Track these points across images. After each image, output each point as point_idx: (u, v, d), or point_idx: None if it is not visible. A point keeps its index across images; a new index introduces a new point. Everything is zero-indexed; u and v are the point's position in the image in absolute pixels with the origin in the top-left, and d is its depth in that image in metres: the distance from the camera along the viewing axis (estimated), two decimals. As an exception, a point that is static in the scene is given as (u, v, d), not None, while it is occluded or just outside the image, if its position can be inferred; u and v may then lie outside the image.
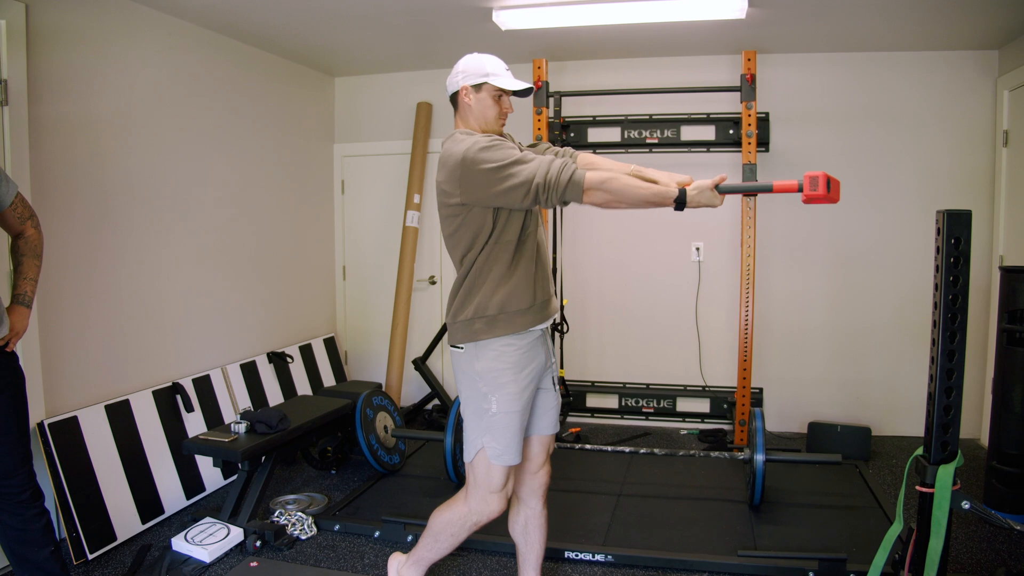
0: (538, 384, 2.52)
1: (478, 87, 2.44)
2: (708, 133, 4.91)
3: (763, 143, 4.75)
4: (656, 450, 4.10)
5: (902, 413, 4.95)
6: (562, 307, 4.84)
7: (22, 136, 3.26)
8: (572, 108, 5.12)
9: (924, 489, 2.58)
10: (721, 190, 2.33)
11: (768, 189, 2.41)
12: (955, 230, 2.51)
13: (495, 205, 2.31)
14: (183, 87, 4.22)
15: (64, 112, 3.48)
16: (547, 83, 4.80)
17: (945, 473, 2.57)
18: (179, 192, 4.18)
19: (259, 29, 4.46)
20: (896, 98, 4.88)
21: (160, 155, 4.04)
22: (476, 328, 2.39)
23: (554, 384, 2.63)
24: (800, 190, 2.30)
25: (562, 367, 4.95)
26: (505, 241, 2.38)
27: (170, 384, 4.01)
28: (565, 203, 2.29)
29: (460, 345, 2.44)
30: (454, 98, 2.49)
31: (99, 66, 3.67)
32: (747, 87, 4.50)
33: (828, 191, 2.27)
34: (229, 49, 4.60)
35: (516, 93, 2.47)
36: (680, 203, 2.27)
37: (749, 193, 2.20)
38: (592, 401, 5.34)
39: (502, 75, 2.44)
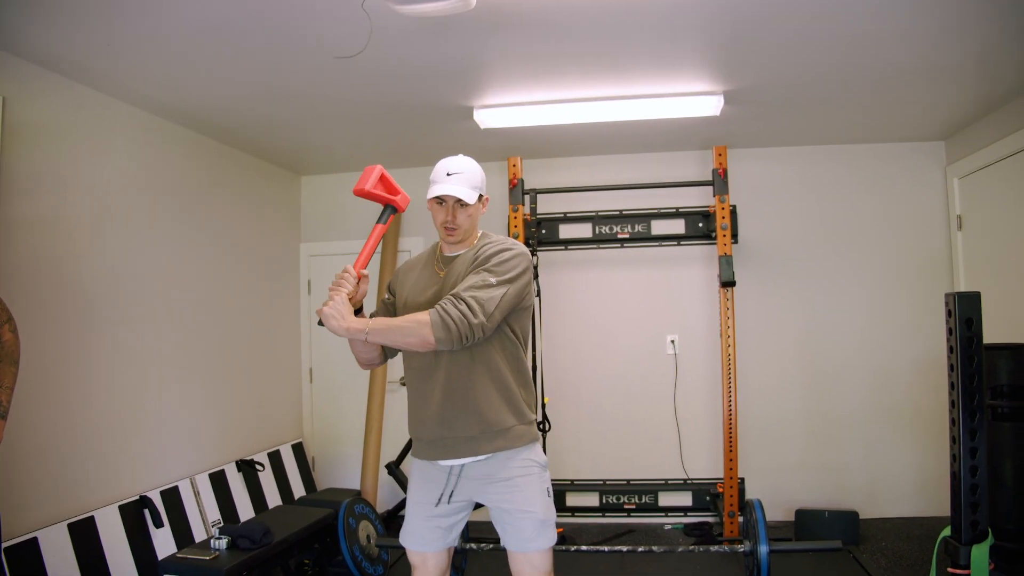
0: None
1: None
2: (678, 227, 4.99)
3: (733, 235, 4.83)
4: (655, 548, 3.94)
5: (885, 495, 4.97)
6: (543, 405, 4.75)
7: (-8, 236, 3.08)
8: (544, 205, 5.17)
9: (958, 571, 2.52)
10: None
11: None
12: (967, 311, 2.55)
13: None
14: (153, 183, 4.12)
15: (34, 210, 3.33)
16: (522, 180, 4.85)
17: (980, 554, 2.53)
18: (144, 294, 4.01)
19: (229, 126, 4.43)
20: (856, 187, 5.12)
21: (127, 256, 3.90)
22: None
23: (509, 506, 2.42)
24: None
25: (545, 464, 4.77)
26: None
27: (137, 497, 3.73)
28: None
29: None
30: None
31: (73, 161, 3.56)
32: (719, 181, 4.63)
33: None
34: (198, 145, 4.53)
35: (438, 198, 2.42)
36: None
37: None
38: (572, 500, 5.19)
39: (436, 183, 2.40)
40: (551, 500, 2.45)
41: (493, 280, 2.30)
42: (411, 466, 2.55)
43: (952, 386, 2.60)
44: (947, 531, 2.63)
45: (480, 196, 2.44)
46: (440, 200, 2.41)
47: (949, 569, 2.57)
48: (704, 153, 5.12)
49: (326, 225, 5.76)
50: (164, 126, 4.20)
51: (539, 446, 2.47)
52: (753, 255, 5.12)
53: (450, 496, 2.43)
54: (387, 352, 2.60)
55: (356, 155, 5.19)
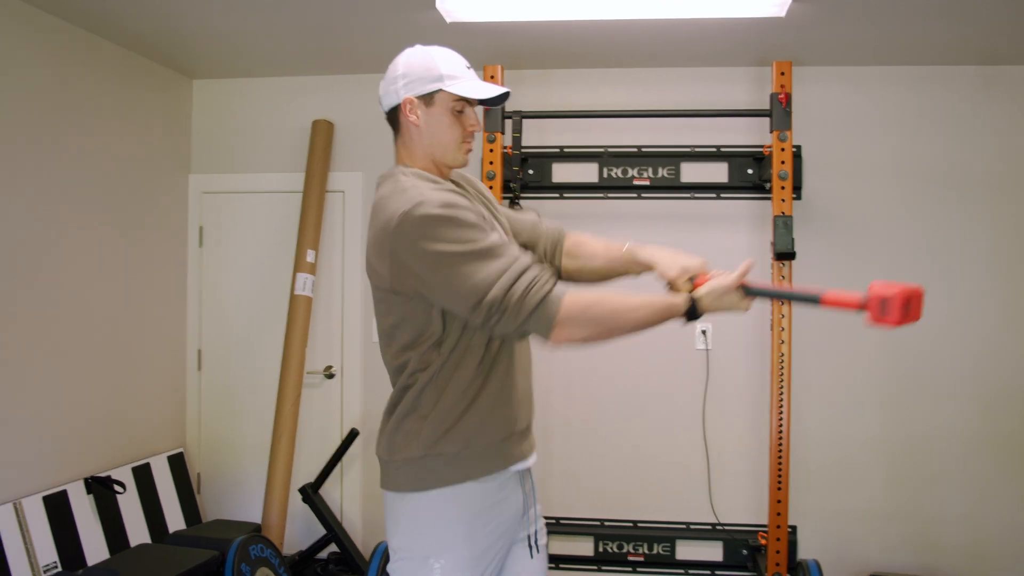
0: (511, 542, 2.38)
1: (429, 98, 2.26)
2: (719, 173, 4.94)
3: (795, 187, 4.71)
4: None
5: (995, 558, 4.87)
6: None
7: None
8: (533, 136, 5.04)
9: None
10: (749, 292, 2.29)
11: (815, 301, 2.24)
12: None
13: (437, 304, 2.17)
14: None
15: None
16: None
17: None
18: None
19: (88, 3, 4.21)
20: (979, 124, 4.95)
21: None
22: (430, 469, 2.23)
23: (535, 543, 2.47)
24: (862, 308, 2.13)
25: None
26: (468, 345, 2.22)
27: (-68, 531, 3.58)
28: (524, 336, 2.18)
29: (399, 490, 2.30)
30: (392, 115, 2.32)
31: None
32: (780, 111, 4.47)
33: (905, 315, 2.12)
34: (45, 29, 4.33)
35: (488, 102, 2.29)
36: (692, 315, 2.25)
37: (785, 301, 2.23)
38: (558, 546, 5.12)
39: (463, 77, 2.27)
40: None
41: None
42: (449, 505, 2.26)
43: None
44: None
45: None
46: (461, 106, 2.30)
47: None
48: (759, 71, 4.96)
49: (225, 150, 5.60)
50: (-11, -2, 3.97)
51: None
52: (822, 216, 4.97)
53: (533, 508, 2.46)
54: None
55: (272, 50, 5.02)
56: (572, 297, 2.08)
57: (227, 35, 4.76)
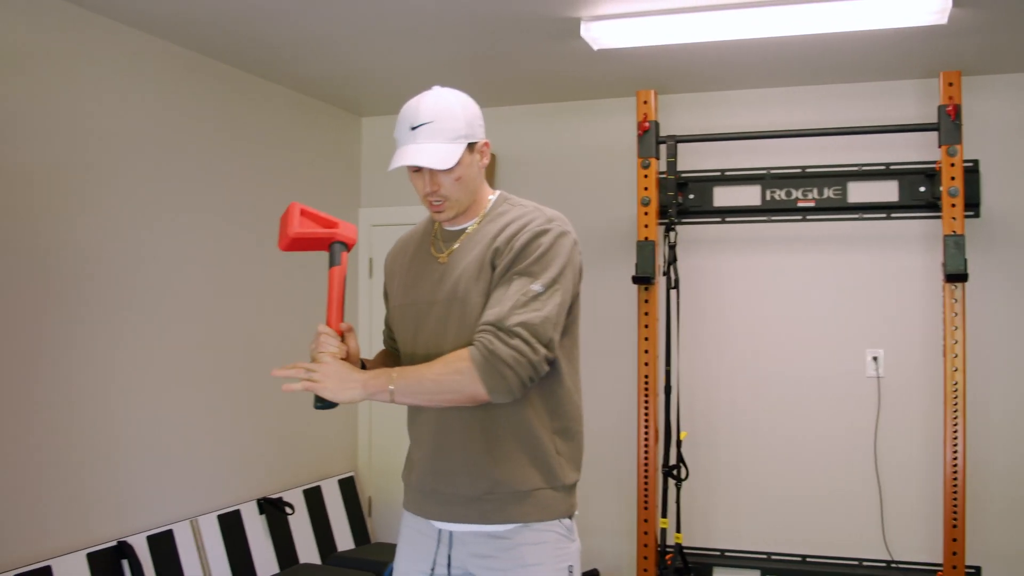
0: None
1: None
2: (888, 192, 4.80)
3: (972, 204, 4.50)
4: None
5: None
6: (679, 443, 4.60)
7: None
8: (692, 160, 5.00)
9: None
10: None
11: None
12: None
13: None
14: (160, 128, 4.19)
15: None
16: (656, 124, 4.72)
17: None
18: (138, 272, 4.07)
19: (259, 51, 4.46)
20: None
21: (117, 220, 3.97)
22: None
23: None
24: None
25: (679, 530, 4.67)
26: None
27: (114, 544, 3.81)
28: None
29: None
30: None
31: (46, 97, 3.63)
32: (948, 124, 4.29)
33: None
34: (220, 77, 4.59)
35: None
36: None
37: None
38: None
39: (400, 142, 2.24)
40: None
41: (539, 287, 2.13)
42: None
43: None
44: None
45: (472, 145, 2.23)
46: (415, 167, 2.22)
47: None
48: (927, 83, 4.74)
49: (395, 184, 5.67)
50: (170, 51, 4.24)
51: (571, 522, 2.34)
52: (1004, 235, 4.71)
53: (447, 564, 2.32)
54: None
55: (431, 86, 5.10)
56: None
57: (392, 74, 4.90)
